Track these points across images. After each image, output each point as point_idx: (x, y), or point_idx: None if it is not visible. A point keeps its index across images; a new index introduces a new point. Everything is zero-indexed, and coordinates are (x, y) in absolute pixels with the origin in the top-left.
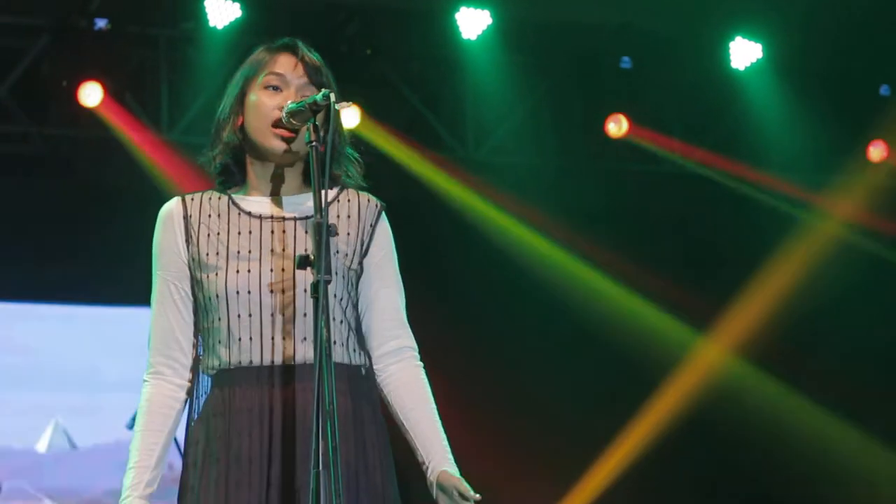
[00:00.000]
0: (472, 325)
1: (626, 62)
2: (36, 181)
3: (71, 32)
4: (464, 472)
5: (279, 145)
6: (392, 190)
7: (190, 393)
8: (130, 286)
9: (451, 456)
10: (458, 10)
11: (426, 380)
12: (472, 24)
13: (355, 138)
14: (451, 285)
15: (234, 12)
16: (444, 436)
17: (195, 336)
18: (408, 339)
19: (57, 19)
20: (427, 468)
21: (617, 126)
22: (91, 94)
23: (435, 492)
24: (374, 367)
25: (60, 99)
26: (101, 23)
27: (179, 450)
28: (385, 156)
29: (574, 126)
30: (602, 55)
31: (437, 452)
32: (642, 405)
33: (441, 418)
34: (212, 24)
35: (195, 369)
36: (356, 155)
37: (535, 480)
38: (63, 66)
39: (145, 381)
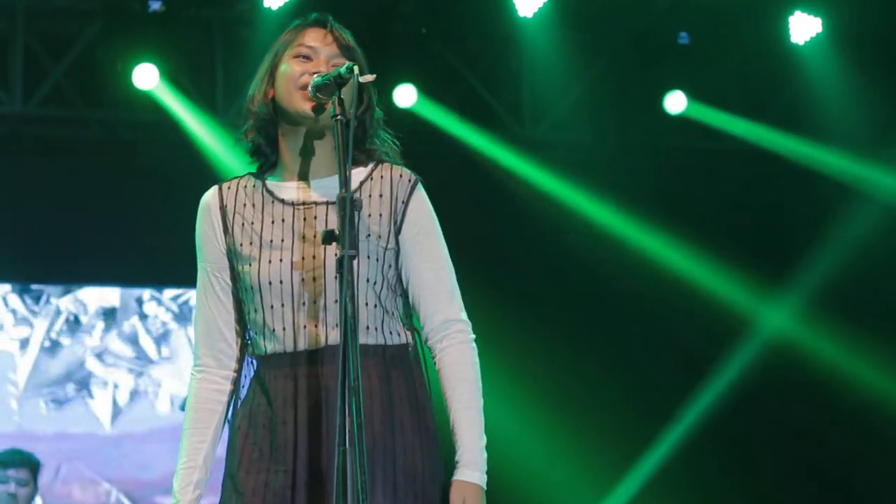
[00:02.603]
0: (528, 305)
1: (683, 38)
2: (94, 165)
3: (125, 15)
4: (525, 452)
5: (307, 105)
6: (449, 169)
7: (236, 382)
8: (187, 269)
9: (476, 455)
10: None
11: (472, 358)
12: (528, 1)
13: (410, 117)
14: (509, 264)
15: None
16: (473, 431)
17: (239, 324)
18: (454, 312)
19: (111, 2)
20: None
21: (675, 102)
22: (146, 77)
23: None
24: (427, 345)
25: (116, 82)
26: (156, 5)
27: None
28: (442, 135)
29: (632, 103)
30: (659, 31)
31: (463, 452)
32: (701, 382)
33: (492, 397)
34: (266, 4)
35: (242, 356)
36: (386, 136)
37: (599, 453)
38: (118, 49)
39: (192, 374)
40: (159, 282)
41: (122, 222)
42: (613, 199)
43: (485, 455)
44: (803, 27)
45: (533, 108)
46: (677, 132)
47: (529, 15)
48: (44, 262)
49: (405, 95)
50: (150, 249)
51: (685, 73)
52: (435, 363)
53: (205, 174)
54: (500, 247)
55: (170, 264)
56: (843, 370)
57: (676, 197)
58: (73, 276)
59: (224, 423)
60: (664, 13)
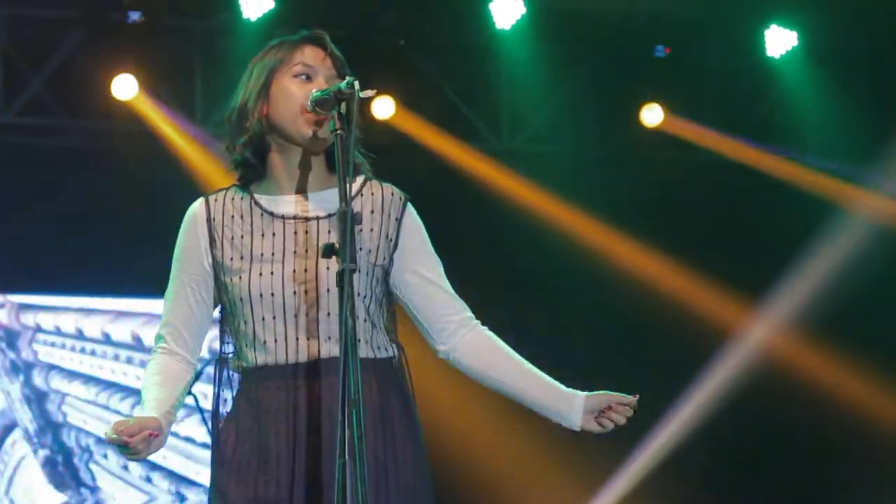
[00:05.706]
0: (507, 317)
1: (660, 51)
2: (73, 174)
3: (105, 25)
4: (508, 456)
5: (309, 129)
6: (426, 181)
7: (194, 377)
8: (165, 278)
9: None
10: (491, 0)
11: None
12: (506, 13)
13: (388, 129)
14: (488, 277)
15: (268, 4)
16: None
17: (201, 335)
18: (466, 310)
19: (91, 12)
20: (559, 413)
21: (652, 115)
22: (125, 87)
23: (591, 421)
24: (442, 347)
25: (95, 92)
26: (135, 15)
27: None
28: (420, 147)
29: (609, 115)
30: (636, 44)
31: (559, 393)
32: (680, 393)
33: (469, 410)
34: (245, 15)
35: (221, 369)
36: (359, 154)
37: (578, 467)
38: (97, 59)
39: (154, 352)
40: (139, 292)
41: (101, 232)
42: (591, 210)
43: None
44: (779, 41)
45: (510, 120)
46: (654, 144)
47: (507, 27)
48: (23, 272)
49: (383, 107)
50: (131, 259)
51: (662, 85)
52: (461, 356)
53: (184, 184)
54: (478, 259)
55: (150, 274)
56: (824, 384)
57: (654, 208)
58: (53, 285)
59: (182, 398)
60: (641, 26)
